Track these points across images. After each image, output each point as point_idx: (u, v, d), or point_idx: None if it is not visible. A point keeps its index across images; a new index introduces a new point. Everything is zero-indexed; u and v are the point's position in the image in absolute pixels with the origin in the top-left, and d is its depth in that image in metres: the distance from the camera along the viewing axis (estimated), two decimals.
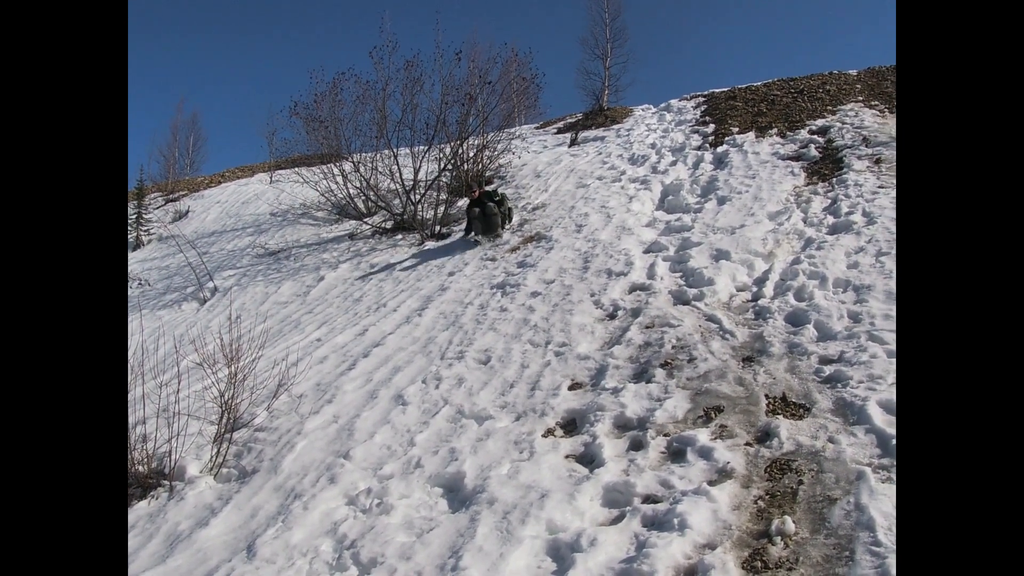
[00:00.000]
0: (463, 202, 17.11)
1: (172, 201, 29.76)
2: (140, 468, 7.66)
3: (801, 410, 6.37)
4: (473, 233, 14.47)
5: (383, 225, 17.11)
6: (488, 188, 15.54)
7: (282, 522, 6.27)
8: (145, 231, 25.05)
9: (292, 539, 5.99)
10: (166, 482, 7.59)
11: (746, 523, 5.04)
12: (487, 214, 14.13)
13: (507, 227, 14.44)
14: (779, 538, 4.79)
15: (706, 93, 22.94)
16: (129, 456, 7.68)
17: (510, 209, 14.83)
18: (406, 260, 13.92)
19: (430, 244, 14.75)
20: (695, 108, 21.24)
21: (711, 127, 18.43)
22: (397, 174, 17.12)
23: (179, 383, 8.76)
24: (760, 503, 5.24)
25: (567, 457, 6.37)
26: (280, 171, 25.81)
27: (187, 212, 27.24)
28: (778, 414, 6.34)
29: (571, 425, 6.92)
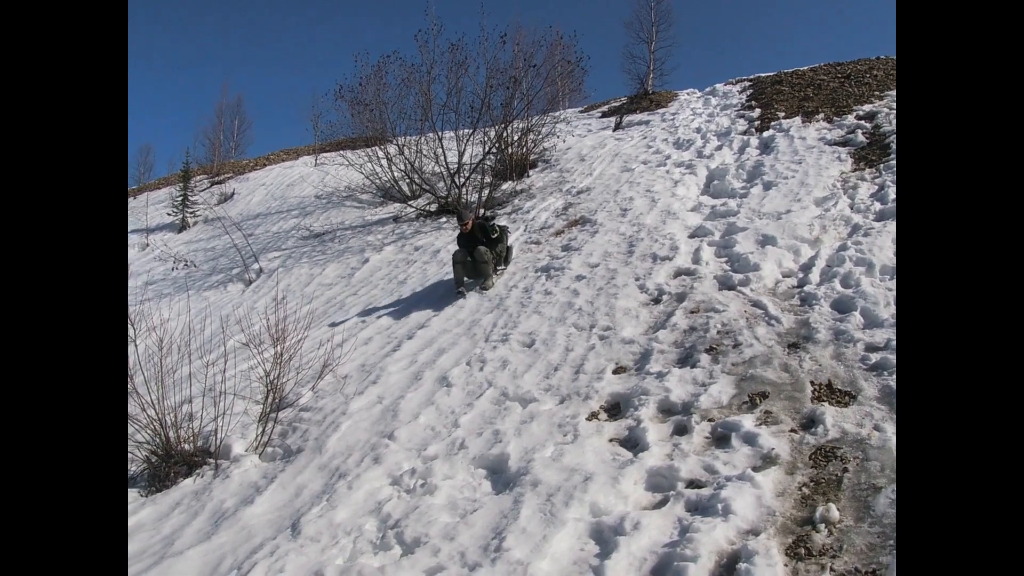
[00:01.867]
0: (507, 185, 17.02)
1: (217, 183, 30.02)
2: (186, 446, 7.78)
3: (847, 397, 6.32)
4: (457, 286, 11.46)
5: (427, 208, 17.10)
6: (485, 215, 12.59)
7: (326, 501, 6.33)
8: (191, 213, 25.30)
9: (336, 518, 6.05)
10: (211, 460, 7.70)
11: (790, 510, 5.02)
12: (476, 261, 11.36)
13: (501, 270, 11.93)
14: (823, 525, 4.76)
15: (752, 77, 22.71)
16: (175, 434, 7.79)
17: (509, 248, 12.17)
18: (450, 243, 13.90)
19: None
20: (740, 92, 21.05)
21: (757, 112, 18.22)
22: (442, 157, 17.05)
23: (225, 363, 8.87)
24: (804, 490, 5.22)
25: (611, 441, 6.37)
26: (325, 154, 26.00)
27: (232, 194, 27.44)
28: (824, 401, 6.30)
29: (615, 409, 6.91)
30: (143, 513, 7.14)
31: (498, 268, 11.78)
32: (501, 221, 14.13)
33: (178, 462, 7.69)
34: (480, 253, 11.31)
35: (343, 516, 6.05)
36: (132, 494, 7.65)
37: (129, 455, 8.17)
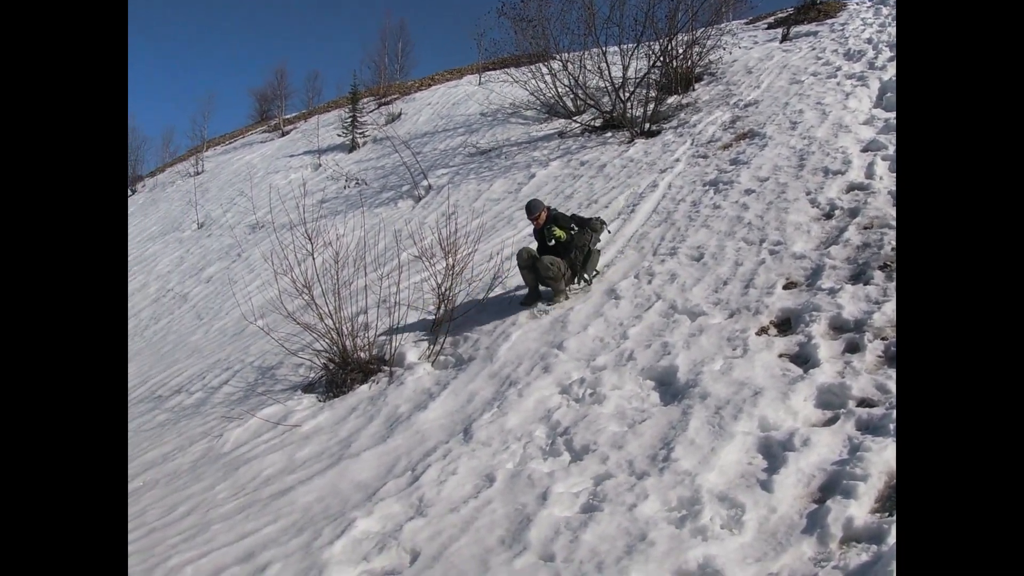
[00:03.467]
0: (673, 99, 16.72)
1: (384, 104, 30.45)
2: (361, 354, 8.10)
3: None
4: (527, 300, 8.83)
5: (592, 123, 16.99)
6: (559, 211, 9.04)
7: (497, 407, 6.51)
8: (360, 133, 25.81)
9: (507, 424, 6.22)
10: (386, 368, 7.98)
11: None
12: (540, 272, 8.56)
13: (585, 280, 8.81)
14: None
15: None
16: (351, 343, 8.08)
17: (592, 253, 8.77)
18: (616, 158, 13.80)
19: (640, 142, 14.50)
20: None
21: None
22: (606, 72, 16.79)
23: (399, 275, 9.08)
24: None
25: (781, 356, 6.29)
26: (489, 72, 26.11)
27: (399, 114, 27.83)
28: None
29: (785, 324, 6.81)
30: (321, 417, 7.50)
31: (579, 277, 8.70)
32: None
33: (354, 369, 8.01)
34: (545, 265, 8.47)
35: (513, 422, 6.21)
36: (311, 399, 8.02)
37: (308, 362, 8.54)
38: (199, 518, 6.05)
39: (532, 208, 8.73)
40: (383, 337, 8.34)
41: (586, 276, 8.65)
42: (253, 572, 5.02)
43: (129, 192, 31.95)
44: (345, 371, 8.07)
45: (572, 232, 8.51)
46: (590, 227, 8.66)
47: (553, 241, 8.45)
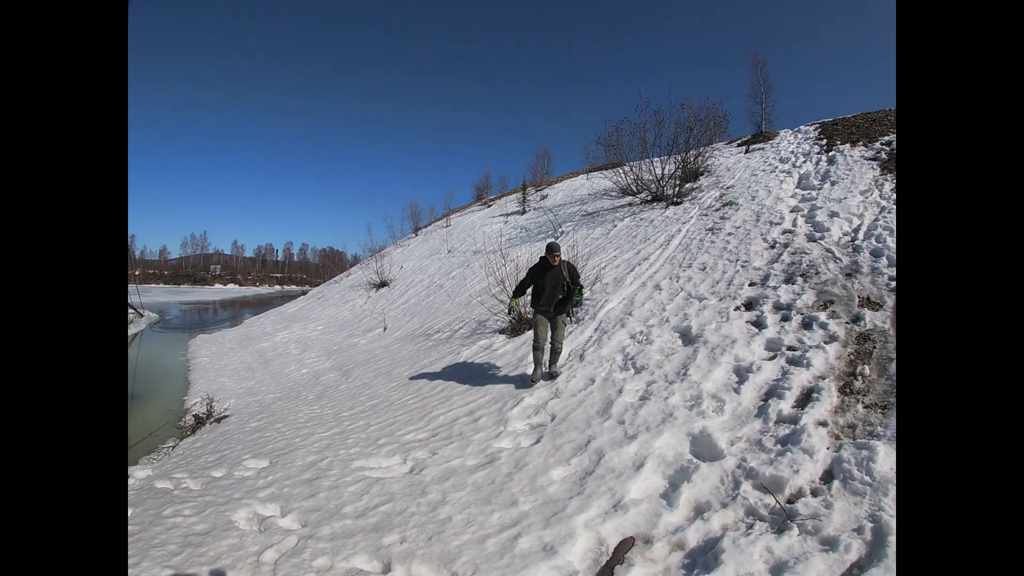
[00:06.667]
0: (688, 185, 16.10)
1: (539, 190, 30.36)
2: (528, 316, 8.17)
3: (877, 305, 5.77)
4: (533, 365, 6.20)
5: (645, 199, 16.66)
6: (570, 262, 6.31)
7: (597, 343, 6.54)
8: (527, 205, 25.93)
9: (602, 352, 6.25)
10: None
11: (842, 367, 4.78)
12: (555, 329, 6.11)
13: (574, 314, 7.32)
14: (860, 377, 4.56)
15: (820, 122, 19.78)
16: (523, 310, 8.18)
17: (582, 298, 6.27)
18: (658, 216, 13.51)
19: (671, 208, 14.10)
20: (814, 131, 18.51)
21: (824, 141, 15.94)
22: (653, 171, 16.55)
23: None
24: (851, 356, 4.93)
25: (747, 322, 6.12)
26: (592, 172, 25.81)
27: (546, 196, 27.75)
28: (864, 307, 5.78)
29: (750, 304, 6.59)
30: (509, 346, 7.73)
31: (571, 313, 6.98)
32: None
33: (525, 323, 8.13)
34: (560, 329, 6.11)
35: (605, 352, 6.24)
36: (503, 337, 8.21)
37: (501, 320, 8.73)
38: (447, 392, 6.34)
39: (555, 248, 6.06)
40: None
41: (575, 312, 6.85)
42: (472, 420, 5.27)
43: (414, 235, 32.84)
44: (520, 324, 8.17)
45: (579, 285, 6.09)
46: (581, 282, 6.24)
47: (579, 297, 6.08)
